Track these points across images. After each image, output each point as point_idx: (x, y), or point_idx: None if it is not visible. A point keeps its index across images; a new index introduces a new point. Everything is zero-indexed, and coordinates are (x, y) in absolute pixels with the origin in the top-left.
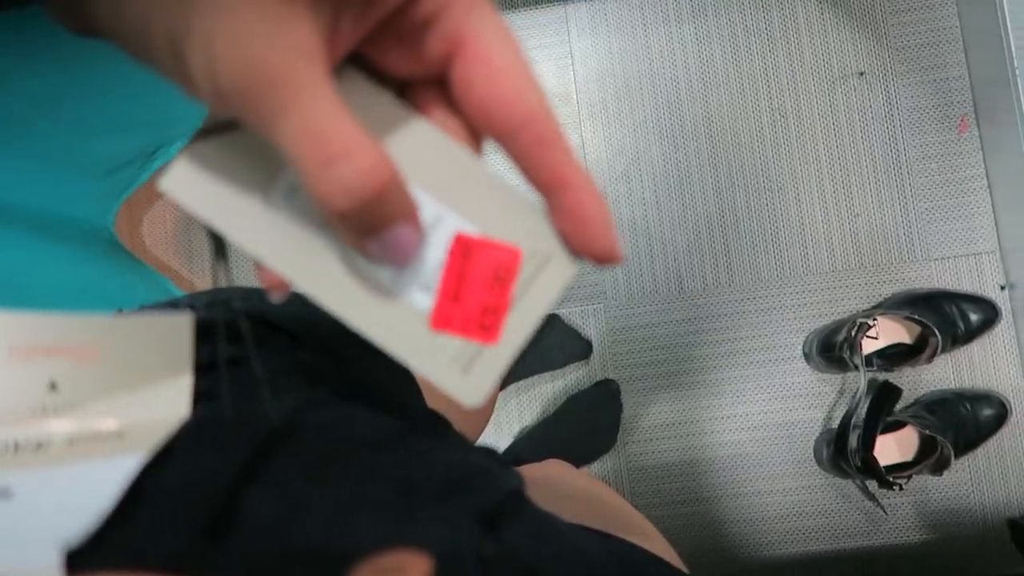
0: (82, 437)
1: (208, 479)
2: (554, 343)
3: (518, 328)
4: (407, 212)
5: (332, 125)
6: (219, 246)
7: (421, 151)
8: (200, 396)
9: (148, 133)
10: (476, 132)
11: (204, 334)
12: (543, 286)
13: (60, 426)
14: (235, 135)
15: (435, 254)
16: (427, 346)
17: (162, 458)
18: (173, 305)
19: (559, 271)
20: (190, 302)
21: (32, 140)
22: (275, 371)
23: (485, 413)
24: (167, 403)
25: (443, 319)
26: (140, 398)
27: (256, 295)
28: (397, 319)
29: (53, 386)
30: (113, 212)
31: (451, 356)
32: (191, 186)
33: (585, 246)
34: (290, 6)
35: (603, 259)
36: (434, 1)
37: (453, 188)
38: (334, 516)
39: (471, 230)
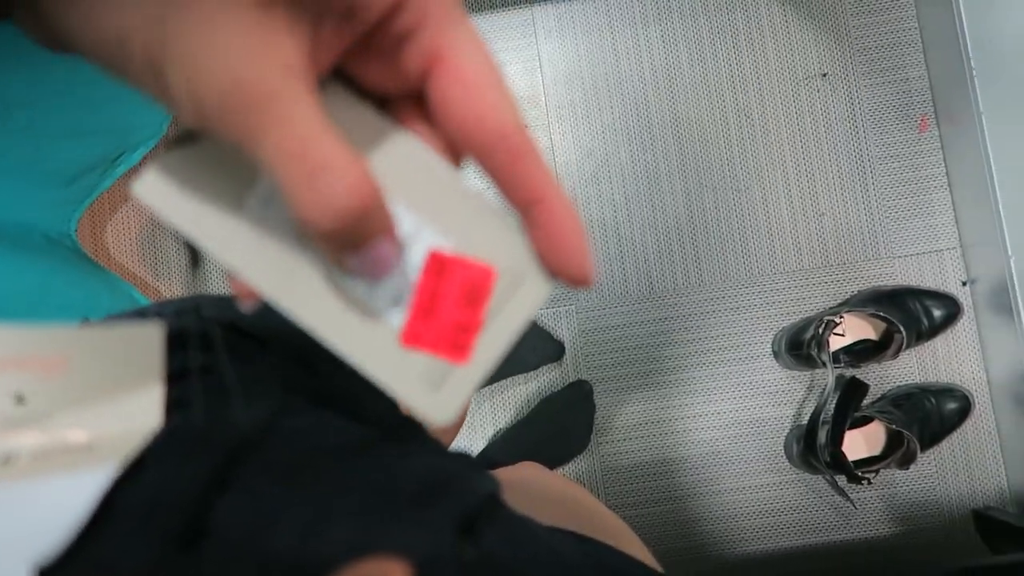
0: (51, 450)
1: (180, 489)
2: (527, 346)
3: (489, 348)
4: (386, 228)
5: (315, 141)
6: (195, 253)
7: (402, 164)
8: (171, 405)
9: (109, 140)
10: (454, 147)
11: (174, 343)
12: (517, 305)
13: (28, 439)
14: (211, 143)
15: (410, 270)
16: (396, 362)
17: (133, 470)
18: (141, 314)
19: (533, 291)
20: (158, 310)
21: None
22: (246, 379)
23: (459, 418)
24: (137, 414)
25: (414, 336)
26: (110, 409)
27: (226, 303)
28: (367, 334)
29: (20, 399)
30: (75, 219)
31: (420, 373)
32: (164, 192)
33: (559, 263)
34: (269, 21)
35: (576, 279)
36: (412, 15)
37: (431, 202)
38: (309, 524)
39: (446, 246)
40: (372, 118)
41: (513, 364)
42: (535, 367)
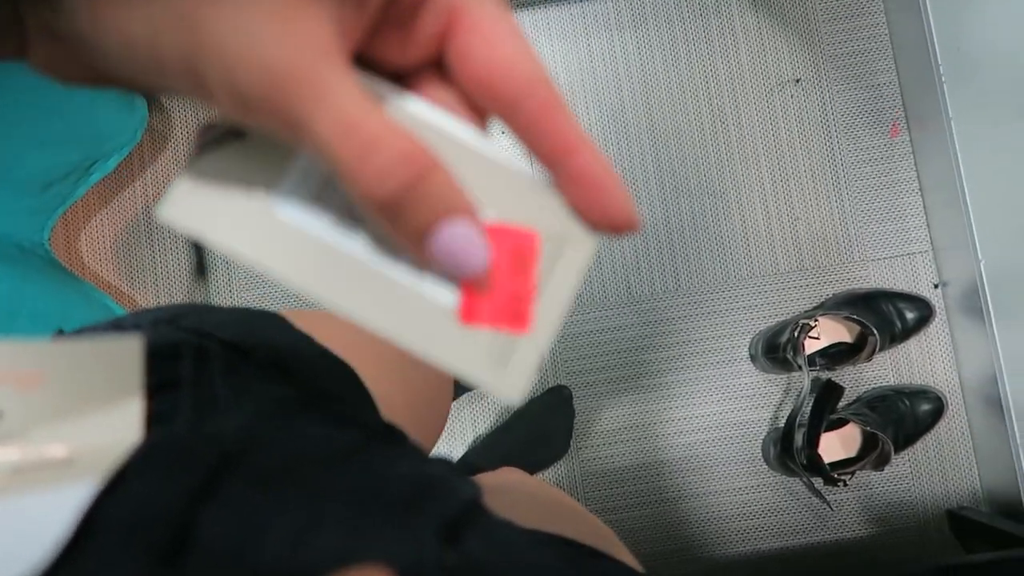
0: (29, 465)
1: (163, 503)
2: None
3: (549, 313)
4: (460, 205)
5: (364, 116)
6: (200, 264)
7: (431, 136)
8: (152, 418)
9: (81, 148)
10: (478, 110)
11: (154, 355)
12: (566, 267)
13: (5, 455)
14: (223, 151)
15: None
16: (459, 342)
17: (114, 484)
18: (118, 325)
19: (580, 250)
20: (135, 321)
21: None
22: (228, 389)
23: (440, 424)
24: (118, 427)
25: (471, 312)
26: (89, 423)
27: (203, 311)
28: (424, 318)
29: None
30: (48, 228)
31: (486, 350)
32: (194, 211)
33: (601, 213)
34: (298, 7)
35: (621, 226)
36: None
37: (462, 172)
38: (293, 534)
39: (487, 216)
40: (392, 93)
41: None
42: None
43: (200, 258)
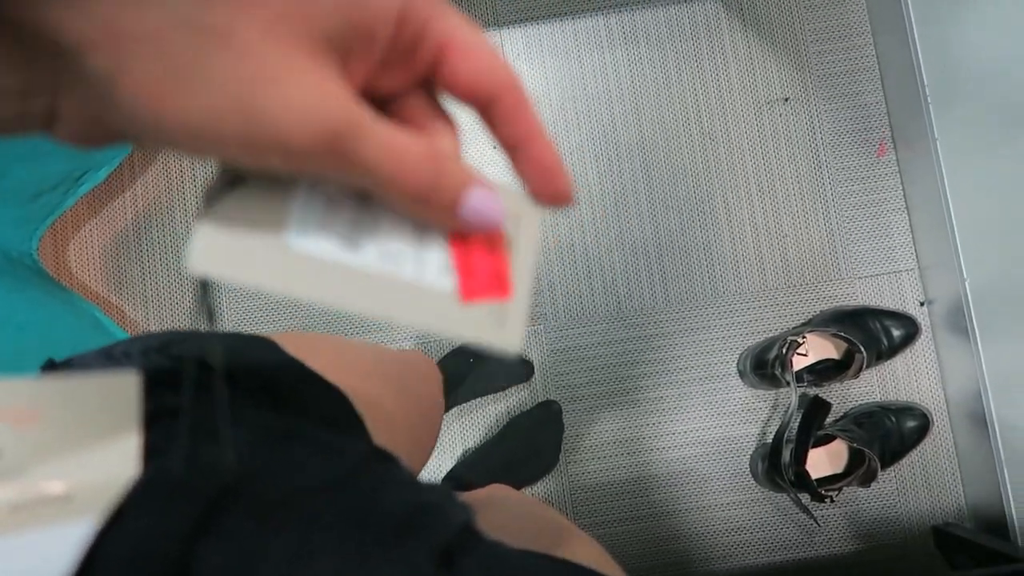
0: (28, 503)
1: (161, 538)
2: (496, 366)
3: (523, 277)
4: (473, 178)
5: (392, 136)
6: (210, 311)
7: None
8: (148, 451)
9: (70, 159)
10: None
11: (147, 385)
12: (524, 238)
13: (3, 492)
14: (232, 197)
15: (438, 241)
16: (467, 318)
17: (113, 521)
18: (108, 355)
19: (531, 222)
20: (125, 350)
21: None
22: (220, 417)
23: (434, 435)
24: (115, 462)
25: (469, 291)
26: (87, 459)
27: (193, 337)
28: (434, 304)
29: None
30: (37, 238)
31: (488, 319)
32: (219, 258)
33: (549, 188)
34: (323, 64)
35: (562, 199)
36: (417, 21)
37: None
38: (290, 563)
39: None
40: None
41: (483, 384)
42: (504, 388)
43: (208, 302)
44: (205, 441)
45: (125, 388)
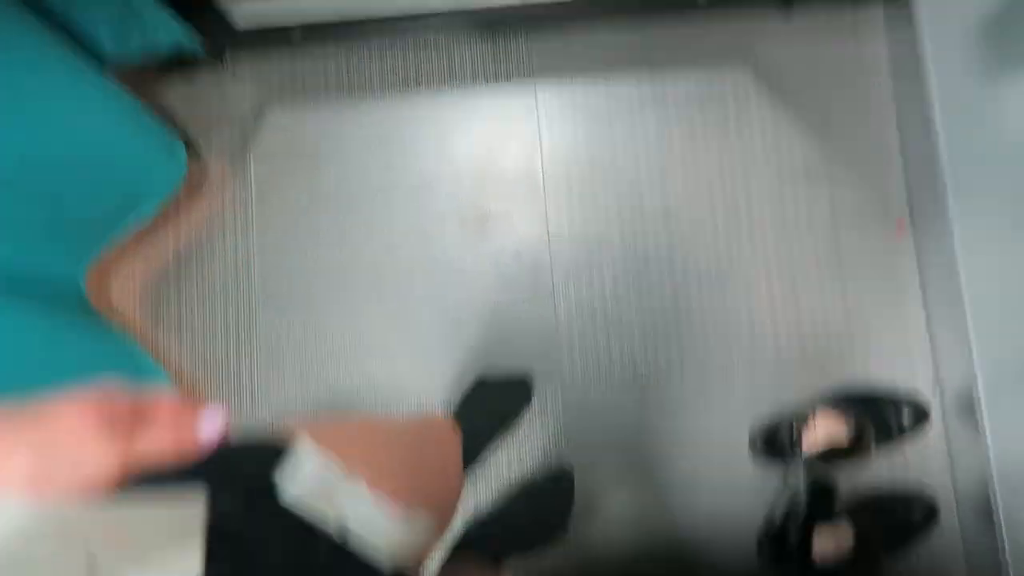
0: None
1: None
2: (496, 400)
3: None
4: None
5: None
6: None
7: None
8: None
9: (120, 192)
10: None
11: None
12: None
13: None
14: None
15: None
16: None
17: None
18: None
19: None
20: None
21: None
22: (256, 534)
23: (449, 512)
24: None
25: None
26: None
27: (221, 457)
28: None
29: (92, 559)
30: (84, 268)
31: None
32: None
33: None
34: None
35: None
36: None
37: None
38: None
39: None
40: None
41: (491, 426)
42: (513, 423)
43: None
44: (243, 560)
45: (192, 512)
